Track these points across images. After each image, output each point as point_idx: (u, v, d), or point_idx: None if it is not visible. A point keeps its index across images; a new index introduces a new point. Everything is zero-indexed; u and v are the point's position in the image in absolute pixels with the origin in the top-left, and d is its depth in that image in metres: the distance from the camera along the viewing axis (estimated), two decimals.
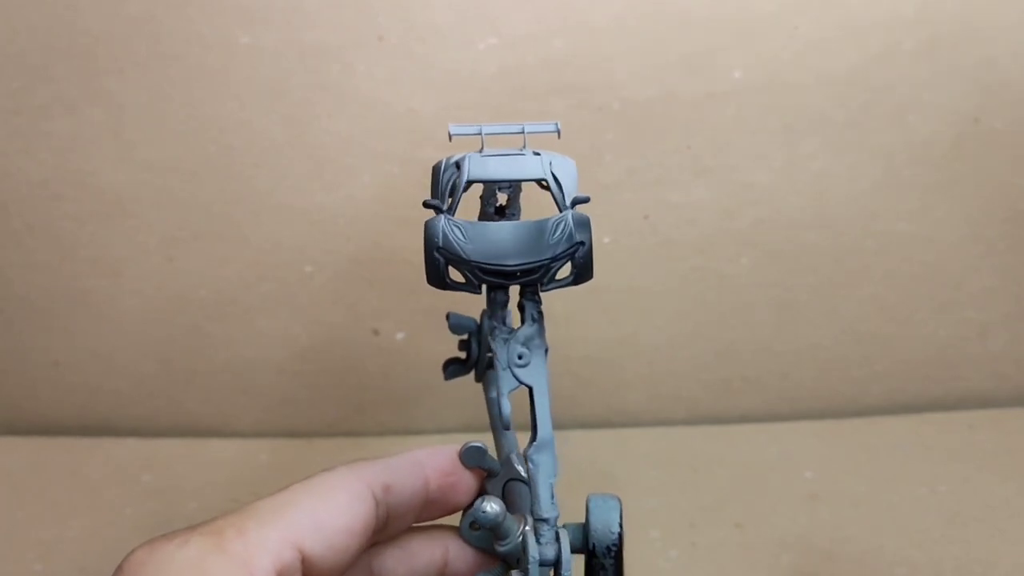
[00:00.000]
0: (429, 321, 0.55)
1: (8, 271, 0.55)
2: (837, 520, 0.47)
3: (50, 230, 0.54)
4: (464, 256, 0.27)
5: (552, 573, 0.27)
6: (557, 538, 0.26)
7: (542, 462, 0.27)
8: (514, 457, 0.31)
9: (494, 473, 0.30)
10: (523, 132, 0.32)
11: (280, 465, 0.54)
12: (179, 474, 0.54)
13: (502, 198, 0.35)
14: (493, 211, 0.35)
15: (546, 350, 0.28)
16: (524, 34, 0.50)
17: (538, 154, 0.31)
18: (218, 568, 0.23)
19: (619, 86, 0.51)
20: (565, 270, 0.28)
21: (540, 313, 0.28)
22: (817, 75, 0.52)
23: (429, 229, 0.28)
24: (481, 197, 0.35)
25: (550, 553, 0.26)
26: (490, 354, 0.38)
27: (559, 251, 0.27)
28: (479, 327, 0.41)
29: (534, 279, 0.27)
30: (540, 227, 0.27)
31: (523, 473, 0.30)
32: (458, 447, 0.29)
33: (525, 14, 0.50)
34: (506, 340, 0.28)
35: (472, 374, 0.43)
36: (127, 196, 0.53)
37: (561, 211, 0.28)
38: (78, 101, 0.51)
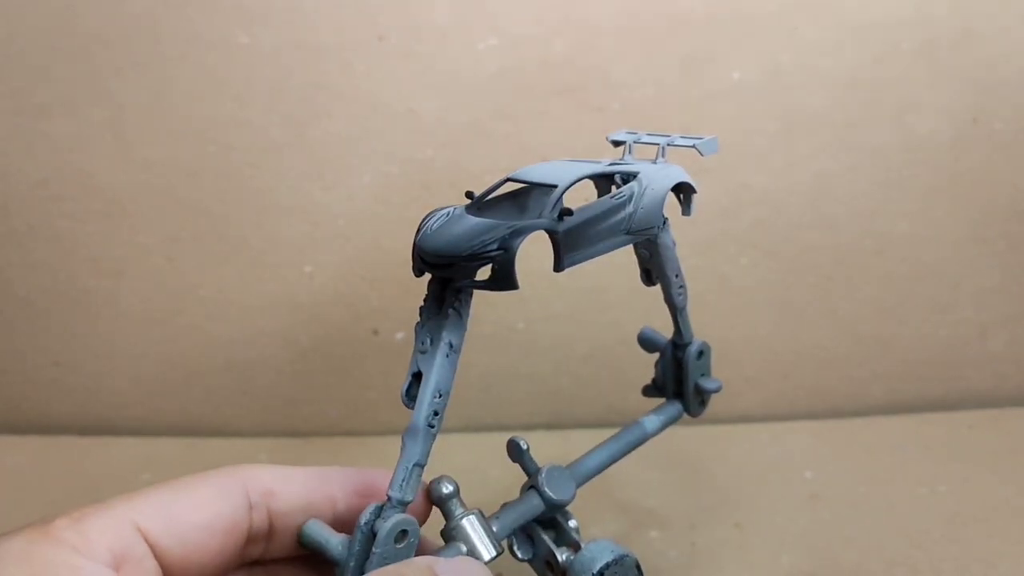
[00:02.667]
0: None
1: (8, 271, 0.55)
2: (837, 520, 0.47)
3: (50, 230, 0.54)
4: (416, 241, 0.28)
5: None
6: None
7: (406, 445, 0.27)
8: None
9: (529, 472, 0.31)
10: (664, 144, 0.34)
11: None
12: (179, 474, 0.53)
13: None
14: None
15: (450, 344, 0.28)
16: (524, 34, 0.50)
17: (615, 164, 0.32)
18: (44, 553, 0.23)
19: (619, 86, 0.51)
20: (487, 272, 0.27)
21: (456, 310, 0.28)
22: (816, 75, 0.52)
23: (424, 217, 0.29)
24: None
25: (379, 527, 0.26)
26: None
27: (476, 251, 0.26)
28: (674, 346, 0.40)
29: (448, 272, 0.27)
30: (491, 227, 0.27)
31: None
32: (379, 471, 0.29)
33: (525, 14, 0.50)
34: (422, 325, 0.28)
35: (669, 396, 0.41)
36: (127, 196, 0.53)
37: (540, 216, 0.28)
38: (78, 101, 0.51)
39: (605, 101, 0.52)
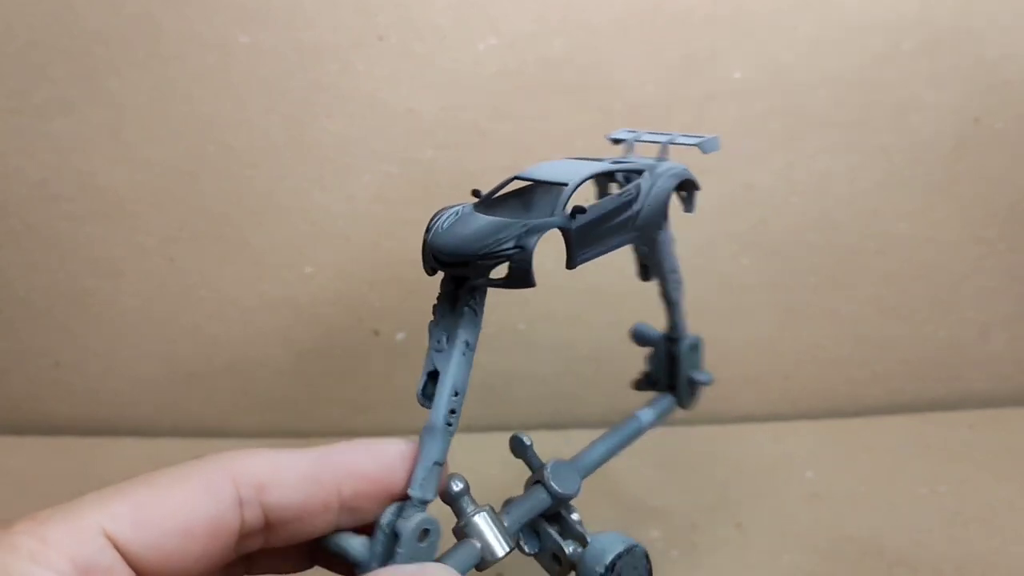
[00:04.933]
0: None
1: (8, 271, 0.55)
2: (837, 520, 0.47)
3: (50, 230, 0.54)
4: (427, 239, 0.28)
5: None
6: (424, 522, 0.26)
7: (425, 443, 0.27)
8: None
9: (533, 467, 0.31)
10: (665, 143, 0.34)
11: None
12: None
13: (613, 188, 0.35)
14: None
15: (466, 343, 0.28)
16: (524, 34, 0.50)
17: (620, 162, 0.32)
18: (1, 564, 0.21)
19: (619, 86, 0.51)
20: (503, 271, 0.27)
21: (472, 308, 0.28)
22: (817, 75, 0.52)
23: (433, 215, 0.28)
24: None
25: (401, 527, 0.26)
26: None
27: (492, 250, 0.26)
28: (668, 340, 0.41)
29: (463, 271, 0.27)
30: (504, 226, 0.27)
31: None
32: (408, 442, 0.28)
33: (525, 14, 0.50)
34: (437, 324, 0.28)
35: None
36: (127, 196, 0.53)
37: (551, 215, 0.28)
38: (78, 101, 0.51)
39: (605, 101, 0.52)
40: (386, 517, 0.26)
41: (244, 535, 0.25)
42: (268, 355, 0.56)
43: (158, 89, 0.51)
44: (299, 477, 0.26)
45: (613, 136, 0.36)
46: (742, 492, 0.50)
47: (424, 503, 0.27)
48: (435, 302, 0.29)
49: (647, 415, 0.38)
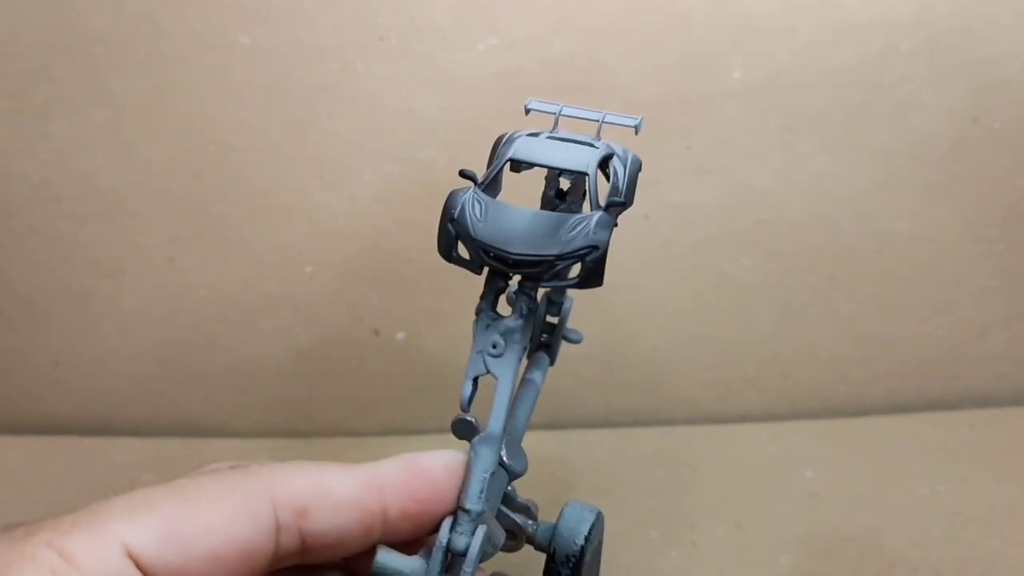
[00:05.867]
0: (429, 321, 0.55)
1: (8, 271, 0.55)
2: (837, 520, 0.47)
3: (50, 230, 0.54)
4: (473, 234, 0.27)
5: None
6: (474, 533, 0.25)
7: (482, 453, 0.26)
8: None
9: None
10: (601, 121, 0.32)
11: None
12: (179, 474, 0.54)
13: (565, 183, 0.34)
14: (554, 194, 0.34)
15: (524, 348, 0.27)
16: (524, 34, 0.50)
17: (594, 145, 0.30)
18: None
19: (619, 86, 0.51)
20: (573, 270, 0.27)
21: (530, 309, 0.27)
22: (817, 75, 0.52)
23: (450, 199, 0.27)
24: (546, 178, 0.34)
25: (460, 544, 0.25)
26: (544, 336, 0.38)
27: (568, 250, 0.26)
28: (548, 302, 0.40)
29: (534, 272, 0.26)
30: (560, 221, 0.27)
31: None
32: (453, 453, 0.26)
33: (525, 14, 0.50)
34: (488, 326, 0.27)
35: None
36: (127, 196, 0.53)
37: (592, 209, 0.27)
38: (78, 101, 0.51)
39: (605, 101, 0.51)
40: (444, 536, 0.25)
41: (277, 559, 0.24)
42: (268, 355, 0.56)
43: (159, 89, 0.51)
44: (344, 502, 0.24)
45: (531, 106, 0.33)
46: (742, 492, 0.50)
47: (480, 515, 0.26)
48: (480, 303, 0.27)
49: (538, 376, 0.38)
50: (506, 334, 0.27)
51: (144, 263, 0.55)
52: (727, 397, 0.58)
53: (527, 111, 0.33)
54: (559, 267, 0.26)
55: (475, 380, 0.27)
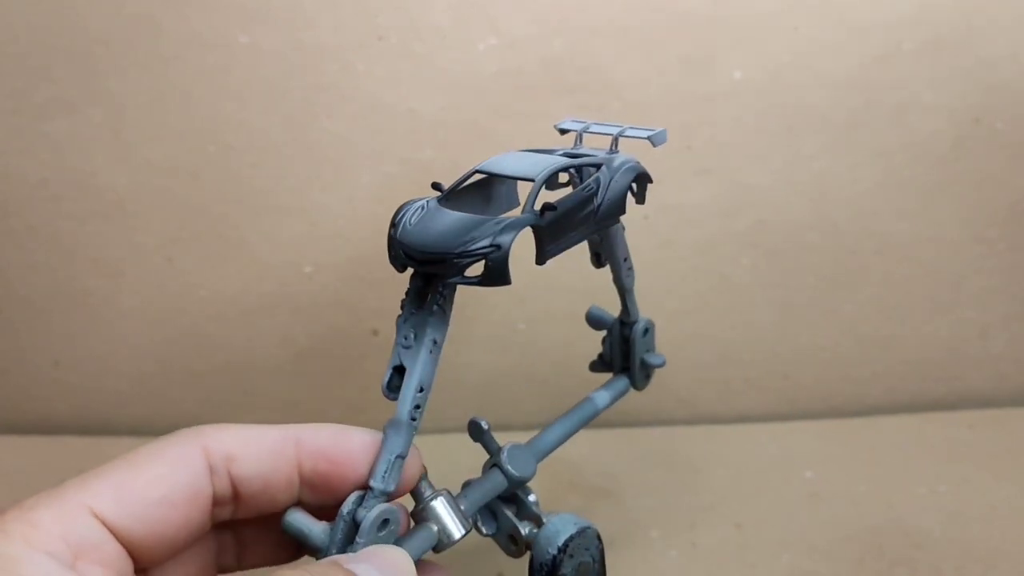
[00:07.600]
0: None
1: (8, 271, 0.55)
2: (837, 520, 0.47)
3: (50, 230, 0.54)
4: (396, 235, 0.29)
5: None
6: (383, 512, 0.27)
7: (389, 436, 0.28)
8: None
9: (490, 451, 0.32)
10: (615, 135, 0.34)
11: None
12: None
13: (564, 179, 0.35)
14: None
15: (435, 341, 0.28)
16: (524, 34, 0.50)
17: (575, 155, 0.31)
18: None
19: (619, 86, 0.51)
20: (478, 269, 0.27)
21: (440, 307, 0.28)
22: (817, 75, 0.52)
23: (397, 210, 0.29)
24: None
25: (359, 516, 0.27)
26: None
27: (469, 248, 0.27)
28: (621, 324, 0.41)
29: (439, 269, 0.28)
30: (479, 223, 0.28)
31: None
32: (376, 434, 0.29)
33: (525, 14, 0.50)
34: (405, 320, 0.29)
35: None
36: (127, 196, 0.53)
37: (523, 213, 0.28)
38: (78, 101, 0.51)
39: (605, 101, 0.52)
40: (347, 506, 0.27)
41: (216, 503, 0.27)
42: (268, 355, 0.56)
43: (158, 89, 0.51)
44: (264, 450, 0.27)
45: (560, 126, 0.36)
46: (742, 492, 0.50)
47: (384, 494, 0.28)
48: (403, 297, 0.29)
49: (602, 397, 0.39)
50: (417, 327, 0.29)
51: (143, 263, 0.55)
52: (727, 397, 0.58)
53: (561, 132, 0.35)
54: (463, 264, 0.27)
55: (395, 368, 0.29)
